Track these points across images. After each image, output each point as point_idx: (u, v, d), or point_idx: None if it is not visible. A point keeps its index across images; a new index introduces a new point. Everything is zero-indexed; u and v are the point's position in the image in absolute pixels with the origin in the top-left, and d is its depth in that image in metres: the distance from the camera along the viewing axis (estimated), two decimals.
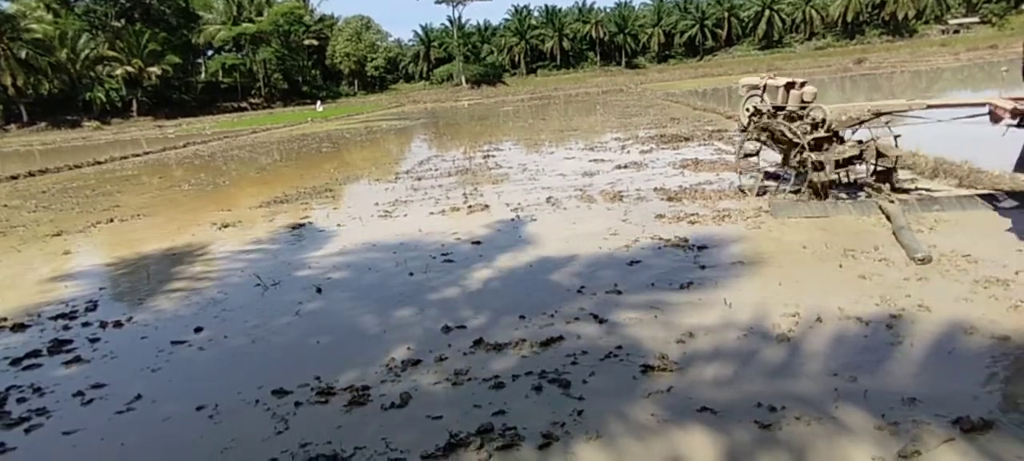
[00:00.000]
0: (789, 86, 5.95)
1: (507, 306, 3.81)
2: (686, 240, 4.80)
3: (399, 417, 2.64)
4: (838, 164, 5.47)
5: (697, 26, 73.48)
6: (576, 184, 7.71)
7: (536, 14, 78.50)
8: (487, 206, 6.88)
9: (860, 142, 5.68)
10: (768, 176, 6.25)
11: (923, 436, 2.18)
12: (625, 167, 8.70)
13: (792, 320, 3.19)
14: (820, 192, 5.39)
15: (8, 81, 48.47)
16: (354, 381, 2.96)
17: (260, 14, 62.32)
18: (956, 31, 64.81)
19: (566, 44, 75.64)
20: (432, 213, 6.79)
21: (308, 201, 8.27)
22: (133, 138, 32.65)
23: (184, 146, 21.74)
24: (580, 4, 78.46)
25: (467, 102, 47.04)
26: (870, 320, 3.12)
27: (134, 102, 54.97)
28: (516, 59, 76.48)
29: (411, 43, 79.07)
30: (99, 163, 17.11)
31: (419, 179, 9.40)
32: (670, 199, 6.31)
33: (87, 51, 53.22)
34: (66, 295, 4.87)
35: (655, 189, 6.87)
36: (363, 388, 2.89)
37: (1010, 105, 4.98)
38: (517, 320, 3.54)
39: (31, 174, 15.06)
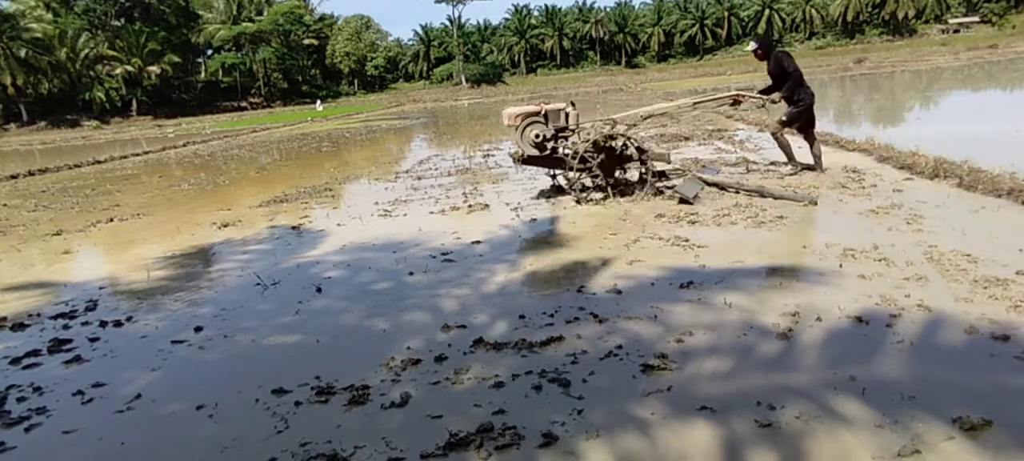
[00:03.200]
0: (568, 110, 6.43)
1: (507, 305, 3.81)
2: (687, 239, 4.80)
3: (399, 416, 2.64)
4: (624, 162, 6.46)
5: (697, 26, 73.53)
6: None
7: (536, 13, 78.59)
8: (487, 205, 6.88)
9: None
10: (584, 187, 6.62)
11: (923, 434, 2.18)
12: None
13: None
14: (649, 183, 6.27)
15: (8, 80, 48.49)
16: (354, 380, 2.96)
17: (260, 13, 62.35)
18: (956, 31, 64.84)
19: (566, 43, 75.70)
20: (432, 213, 6.80)
21: (308, 200, 8.27)
22: (133, 137, 32.65)
23: (184, 145, 21.74)
24: (580, 3, 78.55)
25: (467, 101, 47.05)
26: (870, 319, 3.13)
27: (134, 101, 54.99)
28: (516, 58, 76.54)
29: (411, 42, 79.16)
30: (99, 162, 17.11)
31: (419, 178, 9.40)
32: (671, 198, 6.30)
33: (87, 50, 53.24)
34: (66, 294, 4.87)
35: None
36: (363, 387, 2.89)
37: (746, 94, 6.95)
38: (517, 319, 3.54)
39: (31, 173, 15.06)
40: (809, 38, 70.89)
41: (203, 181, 11.58)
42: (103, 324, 4.06)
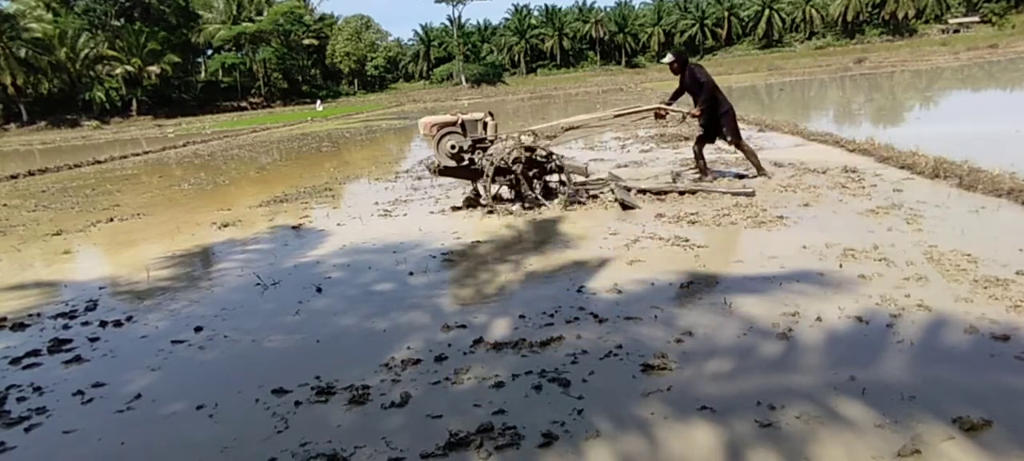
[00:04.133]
0: (485, 120, 6.36)
1: (507, 305, 3.81)
2: (687, 239, 4.80)
3: (399, 416, 2.64)
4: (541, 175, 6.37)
5: (697, 25, 73.53)
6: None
7: (536, 13, 78.59)
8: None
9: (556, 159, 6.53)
10: (505, 198, 6.61)
11: (923, 434, 2.18)
12: (625, 166, 8.69)
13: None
14: (564, 194, 6.21)
15: (8, 80, 48.47)
16: (354, 380, 2.96)
17: (260, 13, 62.34)
18: (956, 30, 64.84)
19: (566, 43, 75.70)
20: (432, 212, 6.79)
21: (308, 200, 8.27)
22: (133, 137, 32.65)
23: (184, 145, 21.73)
24: (580, 3, 78.55)
25: (467, 101, 47.03)
26: (870, 319, 3.13)
27: (134, 101, 54.97)
28: (516, 58, 76.54)
29: (411, 42, 79.15)
30: (99, 162, 17.11)
31: (419, 178, 9.40)
32: (672, 199, 6.30)
33: (87, 50, 53.21)
34: (66, 294, 4.87)
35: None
36: (363, 387, 2.89)
37: (666, 107, 6.75)
38: (517, 319, 3.54)
39: (31, 173, 15.05)
40: (809, 38, 70.89)
41: (203, 181, 11.58)
42: (103, 324, 4.06)
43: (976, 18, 65.49)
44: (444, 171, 6.41)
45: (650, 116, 6.81)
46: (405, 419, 2.61)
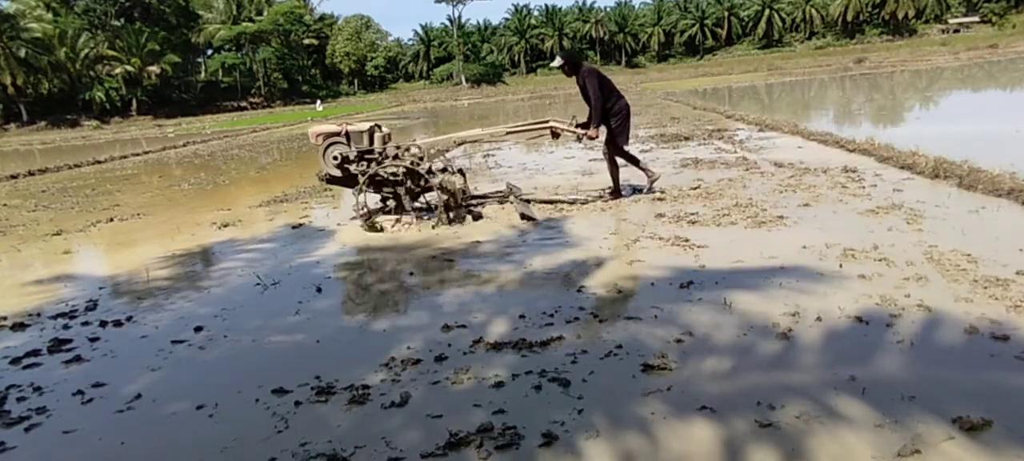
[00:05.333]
0: (372, 130, 6.27)
1: (506, 305, 3.81)
2: (687, 239, 4.80)
3: (399, 416, 2.64)
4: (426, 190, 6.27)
5: (697, 25, 73.56)
6: (576, 183, 7.71)
7: (536, 13, 78.60)
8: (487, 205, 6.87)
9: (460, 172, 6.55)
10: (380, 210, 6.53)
11: (923, 434, 2.18)
12: (624, 166, 8.69)
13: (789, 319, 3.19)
14: (450, 212, 6.07)
15: (8, 80, 48.48)
16: (354, 380, 2.96)
17: (260, 13, 62.36)
18: (956, 30, 64.86)
19: (566, 43, 75.66)
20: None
21: (308, 200, 8.27)
22: (133, 137, 32.65)
23: (184, 145, 21.73)
24: (580, 3, 78.58)
25: (467, 101, 47.05)
26: (870, 319, 3.13)
27: (134, 101, 54.99)
28: (516, 58, 76.56)
29: (411, 42, 79.17)
30: (99, 162, 17.11)
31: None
32: (672, 199, 6.31)
33: (87, 50, 53.23)
34: (66, 294, 4.87)
35: (655, 187, 6.87)
36: (363, 387, 2.89)
37: (562, 126, 6.45)
38: (517, 319, 3.54)
39: (31, 173, 15.05)
40: (809, 38, 70.92)
41: (203, 181, 11.58)
42: (103, 324, 4.06)
43: (976, 18, 65.50)
44: (330, 180, 6.37)
45: (547, 133, 6.56)
46: (405, 419, 2.61)
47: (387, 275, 4.68)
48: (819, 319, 3.18)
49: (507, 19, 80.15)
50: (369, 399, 2.79)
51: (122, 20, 55.47)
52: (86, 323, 4.13)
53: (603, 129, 6.49)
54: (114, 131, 42.41)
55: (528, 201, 6.53)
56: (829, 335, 3.02)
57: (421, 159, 6.21)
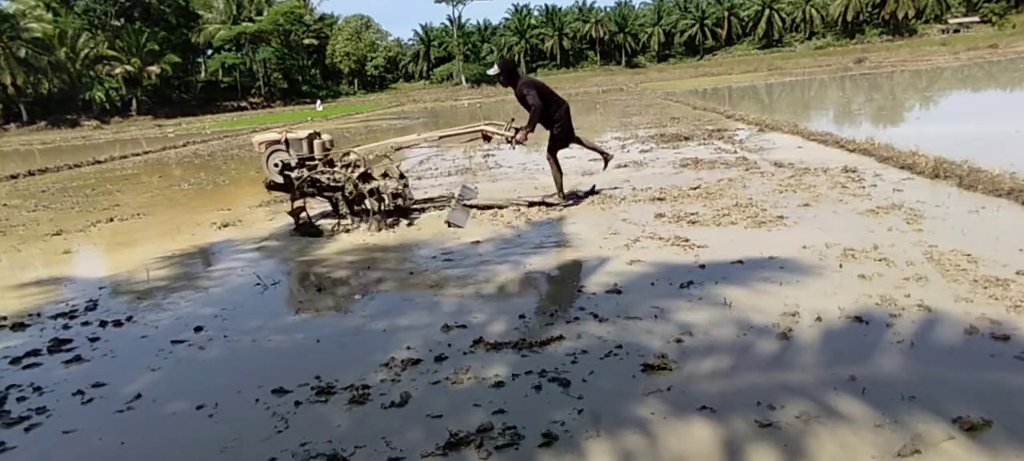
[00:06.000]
0: (312, 137, 6.31)
1: (506, 305, 3.81)
2: (687, 239, 4.80)
3: (399, 416, 2.64)
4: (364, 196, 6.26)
5: (697, 25, 73.57)
6: (576, 183, 7.71)
7: (536, 13, 78.62)
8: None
9: (402, 177, 6.61)
10: (325, 215, 6.59)
11: (923, 434, 2.18)
12: (625, 166, 8.70)
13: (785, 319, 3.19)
14: (383, 218, 6.15)
15: (8, 80, 48.51)
16: (354, 380, 2.96)
17: (260, 13, 62.36)
18: (956, 30, 64.85)
19: (566, 43, 75.74)
20: (432, 212, 6.79)
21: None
22: (133, 137, 32.65)
23: (184, 145, 21.73)
24: (580, 3, 78.60)
25: (467, 101, 47.02)
26: (870, 319, 3.13)
27: (134, 101, 55.00)
28: (516, 58, 76.47)
29: (411, 42, 79.20)
30: (99, 162, 17.11)
31: (419, 178, 9.39)
32: (672, 199, 6.31)
33: (86, 50, 53.26)
34: (66, 294, 4.87)
35: (654, 188, 6.87)
36: (363, 387, 2.89)
37: (493, 129, 6.53)
38: (516, 319, 3.54)
39: (31, 173, 15.05)
40: (809, 38, 70.92)
41: (203, 181, 11.58)
42: (103, 324, 4.06)
43: (976, 18, 65.50)
44: (273, 186, 6.45)
45: (478, 137, 6.64)
46: (405, 419, 2.61)
47: (387, 275, 4.68)
48: (819, 319, 3.18)
49: (507, 19, 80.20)
50: (369, 399, 2.79)
51: (122, 20, 55.48)
52: (86, 323, 4.13)
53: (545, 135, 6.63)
54: (114, 131, 42.41)
55: (475, 206, 6.54)
56: (829, 335, 3.02)
57: (358, 165, 6.25)
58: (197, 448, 2.54)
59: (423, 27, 77.65)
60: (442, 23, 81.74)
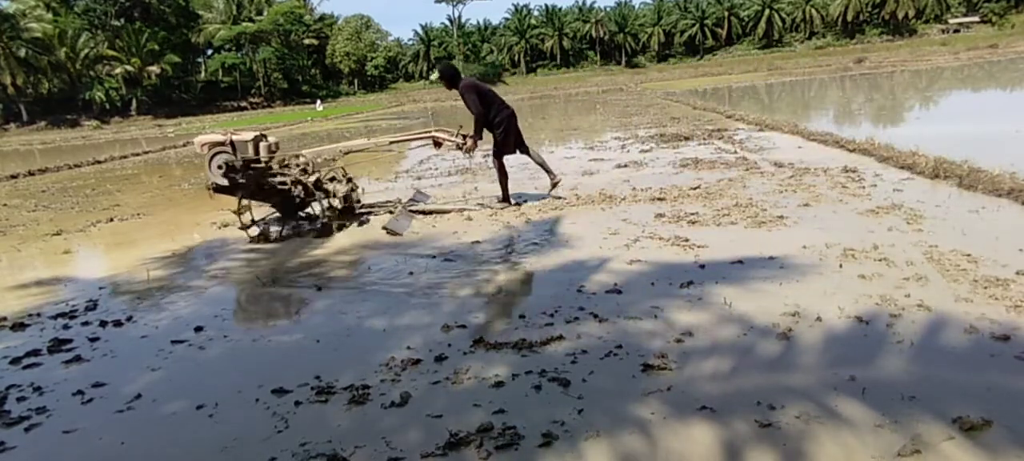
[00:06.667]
0: (257, 140, 6.25)
1: (506, 305, 3.81)
2: (687, 239, 4.80)
3: (399, 416, 2.64)
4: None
5: (697, 25, 73.56)
6: (576, 183, 7.71)
7: (536, 13, 78.60)
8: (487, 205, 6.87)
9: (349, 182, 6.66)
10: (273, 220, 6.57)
11: (923, 434, 2.18)
12: (625, 166, 8.70)
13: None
14: (330, 223, 6.19)
15: (8, 80, 48.53)
16: (354, 380, 2.96)
17: (260, 13, 62.35)
18: (956, 30, 64.83)
19: (566, 43, 75.72)
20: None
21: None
22: (133, 137, 32.64)
23: (184, 145, 21.72)
24: (580, 3, 78.58)
25: None
26: (870, 319, 3.13)
27: (134, 101, 55.01)
28: (516, 58, 76.56)
29: (411, 42, 79.19)
30: (99, 162, 17.11)
31: (419, 178, 9.39)
32: (672, 199, 6.31)
33: (87, 50, 53.26)
34: (66, 294, 4.87)
35: (654, 188, 6.87)
36: (363, 387, 2.89)
37: (444, 136, 6.65)
38: (516, 319, 3.54)
39: (31, 173, 15.06)
40: (809, 38, 70.90)
41: (203, 181, 11.56)
42: (103, 324, 4.06)
43: (976, 18, 65.48)
44: (217, 189, 6.34)
45: (429, 142, 6.66)
46: (405, 419, 2.61)
47: (387, 275, 4.68)
48: (819, 319, 3.18)
49: (507, 19, 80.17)
50: (369, 399, 2.79)
51: (122, 20, 55.47)
52: (86, 323, 4.13)
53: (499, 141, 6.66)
54: (114, 131, 42.40)
55: (422, 212, 6.55)
56: (829, 335, 3.02)
57: (305, 169, 6.21)
58: (197, 448, 2.54)
59: (423, 27, 77.69)
60: (442, 23, 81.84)
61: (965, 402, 2.34)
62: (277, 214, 6.58)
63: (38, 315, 4.37)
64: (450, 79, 6.62)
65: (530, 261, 4.69)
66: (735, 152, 9.08)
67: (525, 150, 6.85)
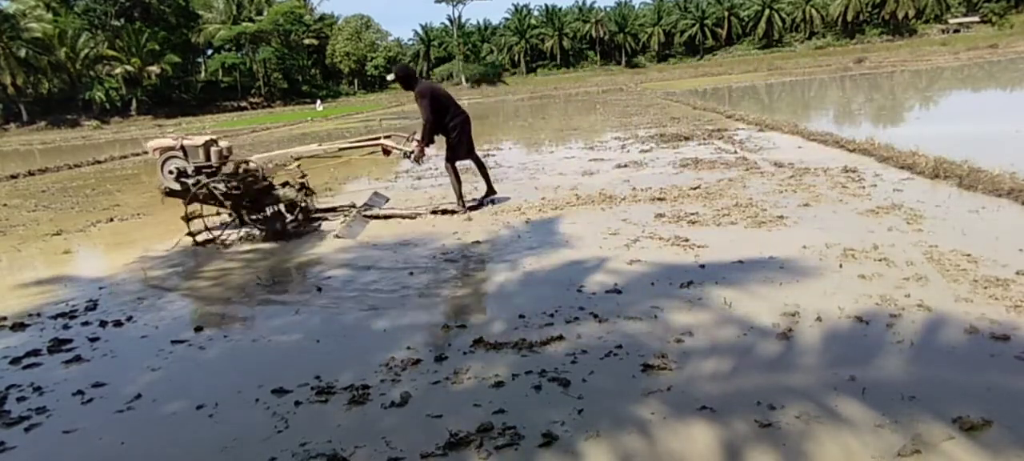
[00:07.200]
0: (208, 145, 6.25)
1: (506, 305, 3.81)
2: (687, 239, 4.80)
3: (399, 416, 2.64)
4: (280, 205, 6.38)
5: (697, 25, 73.52)
6: (576, 183, 7.71)
7: (536, 13, 78.56)
8: (487, 205, 6.87)
9: (302, 187, 6.62)
10: (226, 226, 6.52)
11: (923, 434, 2.18)
12: (625, 166, 8.70)
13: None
14: (282, 229, 6.14)
15: (8, 80, 48.53)
16: (354, 380, 2.96)
17: (260, 13, 62.34)
18: (956, 30, 64.81)
19: (566, 43, 75.70)
20: (431, 213, 6.79)
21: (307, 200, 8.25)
22: (133, 137, 32.60)
23: None
24: (580, 3, 78.54)
25: (467, 101, 46.91)
26: (870, 319, 3.13)
27: (134, 101, 54.98)
28: (516, 58, 76.52)
29: (411, 42, 79.17)
30: (99, 162, 17.10)
31: (419, 178, 9.39)
32: (672, 199, 6.31)
33: (87, 50, 53.25)
34: (66, 294, 4.87)
35: (654, 188, 6.87)
36: (363, 387, 2.89)
37: (392, 144, 6.60)
38: (517, 319, 3.54)
39: (31, 173, 15.05)
40: (809, 38, 70.86)
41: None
42: (103, 324, 4.06)
43: (976, 18, 65.45)
44: (170, 193, 6.33)
45: (378, 149, 6.65)
46: (405, 419, 2.61)
47: (387, 274, 4.68)
48: (819, 319, 3.18)
49: (507, 19, 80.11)
50: (369, 399, 2.79)
51: (122, 20, 55.45)
52: (86, 323, 4.13)
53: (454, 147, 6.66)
54: (114, 131, 42.39)
55: (377, 217, 6.54)
56: (829, 335, 3.02)
57: (257, 174, 6.19)
58: (197, 448, 2.54)
59: (423, 27, 77.66)
60: (442, 23, 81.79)
61: (965, 402, 2.34)
62: (228, 220, 6.49)
63: (38, 315, 4.37)
64: (405, 81, 6.67)
65: (530, 261, 4.69)
66: (735, 152, 9.08)
67: (475, 157, 6.91)
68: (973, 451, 2.08)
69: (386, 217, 6.55)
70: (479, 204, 6.81)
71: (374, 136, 6.89)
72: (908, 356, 2.75)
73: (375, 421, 2.61)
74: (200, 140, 6.27)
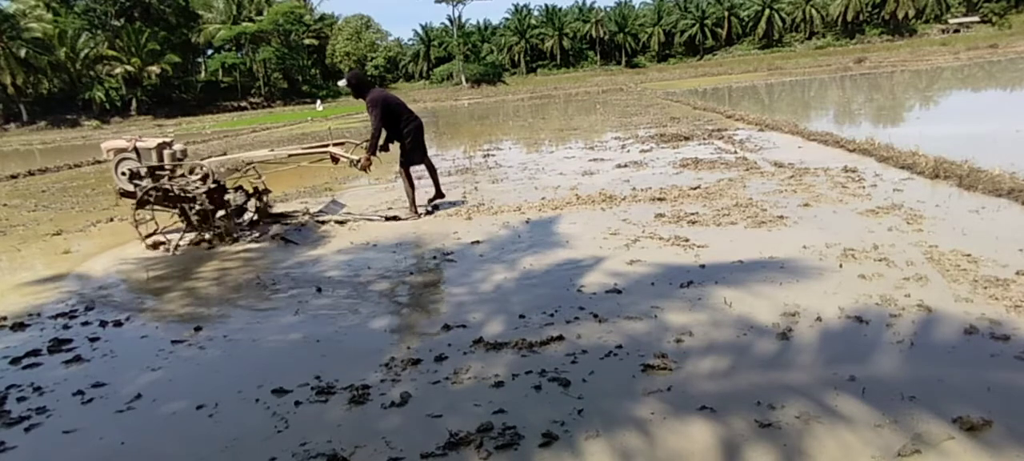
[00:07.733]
0: (161, 147, 6.25)
1: (506, 305, 3.81)
2: (687, 239, 4.80)
3: (399, 416, 2.64)
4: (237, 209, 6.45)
5: (697, 25, 73.50)
6: (576, 183, 7.71)
7: (536, 13, 78.54)
8: (487, 205, 6.88)
9: (255, 192, 6.69)
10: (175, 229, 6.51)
11: (923, 434, 2.18)
12: (625, 166, 8.70)
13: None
14: (226, 232, 6.14)
15: (8, 80, 48.51)
16: (354, 380, 2.96)
17: (260, 13, 62.35)
18: (956, 30, 64.80)
19: (566, 43, 75.67)
20: (431, 213, 6.79)
21: (307, 200, 8.27)
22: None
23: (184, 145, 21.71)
24: (580, 3, 78.54)
25: (467, 101, 47.01)
26: (870, 319, 3.13)
27: (134, 101, 54.97)
28: (516, 58, 76.48)
29: (411, 42, 79.15)
30: (99, 162, 17.09)
31: (419, 178, 9.38)
32: (672, 199, 6.31)
33: (87, 50, 53.25)
34: (66, 294, 4.87)
35: (654, 188, 6.87)
36: (363, 387, 2.89)
37: (340, 152, 6.57)
38: (516, 319, 3.54)
39: (31, 173, 15.06)
40: (809, 38, 70.85)
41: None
42: (103, 324, 4.06)
43: (976, 18, 65.44)
44: (124, 194, 6.37)
45: (327, 156, 6.67)
46: (405, 419, 2.61)
47: (386, 275, 4.68)
48: (819, 319, 3.18)
49: (507, 19, 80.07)
50: (369, 399, 2.79)
51: (122, 20, 55.45)
52: (86, 323, 4.13)
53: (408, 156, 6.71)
54: (114, 131, 42.36)
55: (330, 221, 6.54)
56: (829, 335, 3.02)
57: (207, 178, 6.15)
58: (197, 448, 2.54)
59: (423, 27, 77.60)
60: (442, 23, 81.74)
61: (965, 402, 2.34)
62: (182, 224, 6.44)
63: (38, 315, 4.37)
64: (357, 89, 6.73)
65: (530, 261, 4.69)
66: (735, 152, 9.08)
67: (427, 161, 6.94)
68: (973, 451, 2.08)
69: (338, 221, 6.55)
70: (430, 210, 6.83)
71: (322, 143, 6.91)
72: (908, 356, 2.75)
73: (375, 421, 2.61)
74: (153, 142, 6.26)
